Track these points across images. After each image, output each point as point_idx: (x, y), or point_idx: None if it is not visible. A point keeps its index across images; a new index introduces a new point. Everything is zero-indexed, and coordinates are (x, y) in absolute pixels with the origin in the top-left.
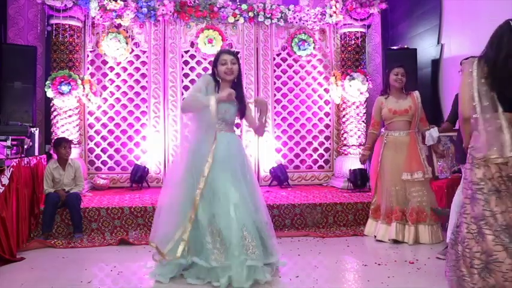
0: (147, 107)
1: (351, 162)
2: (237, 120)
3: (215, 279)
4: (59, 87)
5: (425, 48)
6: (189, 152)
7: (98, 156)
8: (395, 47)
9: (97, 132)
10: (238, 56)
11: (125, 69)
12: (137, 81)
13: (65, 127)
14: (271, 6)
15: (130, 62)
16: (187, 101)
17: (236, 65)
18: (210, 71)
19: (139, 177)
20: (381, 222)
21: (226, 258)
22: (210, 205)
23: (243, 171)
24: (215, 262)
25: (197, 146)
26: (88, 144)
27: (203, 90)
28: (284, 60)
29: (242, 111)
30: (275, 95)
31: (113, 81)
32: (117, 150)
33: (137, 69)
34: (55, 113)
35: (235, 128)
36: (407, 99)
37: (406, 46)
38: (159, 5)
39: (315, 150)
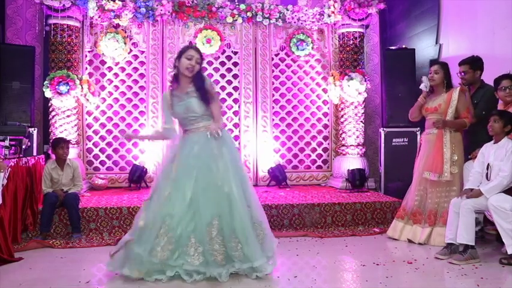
0: (145, 107)
1: (350, 162)
2: (236, 120)
3: (159, 273)
4: (57, 87)
5: (424, 48)
6: (165, 156)
7: (96, 156)
8: (393, 47)
9: (95, 132)
10: (237, 56)
11: (123, 69)
12: (135, 82)
13: (63, 127)
14: (269, 6)
15: (129, 62)
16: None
17: (198, 66)
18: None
19: (137, 177)
20: (404, 222)
21: (168, 257)
22: (166, 206)
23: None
24: (155, 258)
25: (169, 151)
26: (86, 144)
27: (168, 115)
28: (282, 60)
29: (206, 99)
30: (273, 95)
31: (111, 81)
32: (115, 150)
33: (135, 69)
34: (53, 113)
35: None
36: (443, 96)
37: (404, 46)
38: (157, 5)
39: (314, 150)
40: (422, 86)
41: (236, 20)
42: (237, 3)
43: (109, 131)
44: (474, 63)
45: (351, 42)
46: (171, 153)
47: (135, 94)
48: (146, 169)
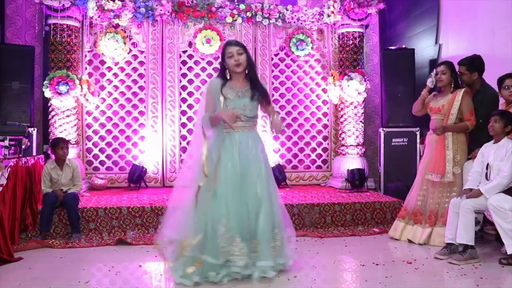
0: (145, 107)
1: (349, 162)
2: None
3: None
4: (56, 87)
5: (423, 48)
6: (203, 154)
7: (95, 156)
8: (393, 47)
9: (95, 132)
10: None
11: (122, 69)
12: (135, 81)
13: (63, 127)
14: (269, 6)
15: (128, 62)
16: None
17: (243, 55)
18: (214, 72)
19: (137, 177)
20: (405, 222)
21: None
22: (216, 205)
23: (253, 174)
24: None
25: (210, 149)
26: (86, 144)
27: (211, 106)
28: (282, 60)
29: (264, 101)
30: (273, 95)
31: (110, 81)
32: (115, 150)
33: (135, 69)
34: (53, 113)
35: (256, 124)
36: (447, 97)
37: (404, 46)
38: (157, 5)
39: (313, 150)
40: (428, 81)
41: (236, 20)
42: (236, 3)
43: (108, 131)
44: (471, 65)
45: (351, 42)
46: (213, 152)
47: (135, 94)
48: (146, 169)
